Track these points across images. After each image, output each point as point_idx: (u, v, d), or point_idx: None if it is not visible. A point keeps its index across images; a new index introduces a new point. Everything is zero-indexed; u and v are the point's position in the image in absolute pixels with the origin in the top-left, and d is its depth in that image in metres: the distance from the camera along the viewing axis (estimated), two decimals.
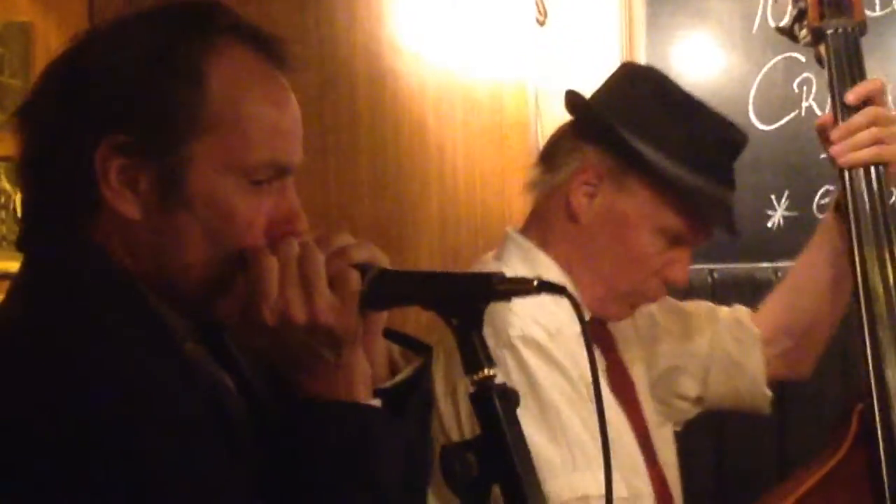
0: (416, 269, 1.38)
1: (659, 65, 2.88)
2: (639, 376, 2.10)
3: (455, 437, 1.82)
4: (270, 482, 1.21)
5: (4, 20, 3.55)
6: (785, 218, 3.24)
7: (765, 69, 3.25)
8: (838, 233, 2.05)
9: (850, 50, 2.02)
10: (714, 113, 1.98)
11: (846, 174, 1.98)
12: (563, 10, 3.35)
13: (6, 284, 1.28)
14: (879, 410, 1.92)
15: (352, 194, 3.38)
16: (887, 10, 3.22)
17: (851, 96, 1.99)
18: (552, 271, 1.93)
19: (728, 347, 2.16)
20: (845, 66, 2.01)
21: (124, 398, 1.12)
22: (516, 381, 1.77)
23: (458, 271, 1.30)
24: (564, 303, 1.17)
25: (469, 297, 1.20)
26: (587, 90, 2.02)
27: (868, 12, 2.10)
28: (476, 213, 3.36)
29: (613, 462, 1.21)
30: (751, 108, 3.24)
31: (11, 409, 1.12)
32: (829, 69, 2.03)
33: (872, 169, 1.98)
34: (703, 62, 3.29)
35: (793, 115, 3.25)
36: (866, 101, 1.99)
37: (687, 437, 2.21)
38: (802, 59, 3.16)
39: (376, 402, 1.27)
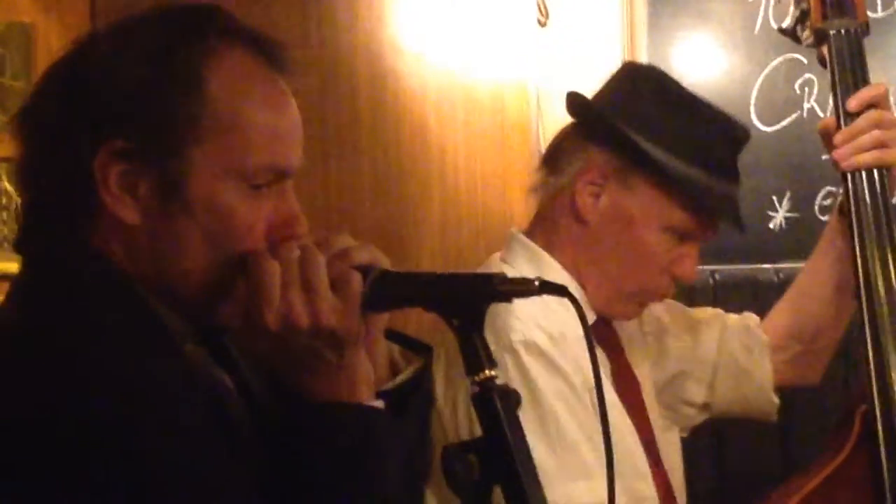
0: (418, 271, 1.38)
1: (660, 66, 2.86)
2: (645, 378, 2.09)
3: (455, 437, 1.82)
4: (271, 483, 1.21)
5: (6, 21, 3.54)
6: (787, 219, 3.23)
7: (766, 70, 3.25)
8: (843, 236, 2.04)
9: (852, 51, 2.02)
10: (715, 109, 1.98)
11: (849, 177, 1.98)
12: (565, 11, 3.35)
13: (6, 285, 1.28)
14: (882, 412, 1.92)
15: (353, 195, 3.37)
16: (889, 10, 3.23)
17: (854, 102, 1.98)
18: (559, 273, 1.92)
19: (736, 354, 2.15)
20: (848, 67, 2.01)
21: (124, 399, 1.12)
22: (516, 387, 1.75)
23: (459, 272, 1.29)
24: (569, 305, 1.17)
25: (470, 298, 1.20)
26: (588, 91, 2.02)
27: (870, 13, 2.09)
28: (477, 213, 3.35)
29: (616, 467, 1.21)
30: (752, 109, 3.24)
31: (12, 410, 1.12)
32: (832, 70, 2.02)
33: (875, 172, 1.97)
34: (704, 63, 3.29)
35: (794, 116, 3.25)
36: (869, 105, 1.98)
37: (689, 440, 2.21)
38: (804, 60, 3.16)
39: (379, 403, 1.28)
